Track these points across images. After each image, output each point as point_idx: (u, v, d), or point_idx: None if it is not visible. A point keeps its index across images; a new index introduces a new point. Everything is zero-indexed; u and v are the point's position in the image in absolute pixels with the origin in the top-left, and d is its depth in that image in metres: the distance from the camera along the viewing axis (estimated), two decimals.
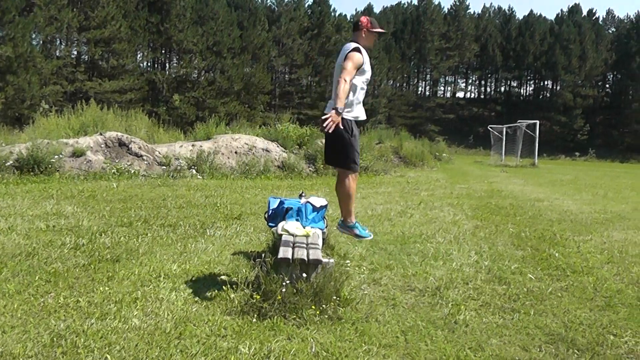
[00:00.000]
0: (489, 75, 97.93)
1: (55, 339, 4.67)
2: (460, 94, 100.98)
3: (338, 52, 6.58)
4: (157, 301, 5.70)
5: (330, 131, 5.97)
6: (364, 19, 6.44)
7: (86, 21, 49.07)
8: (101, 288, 6.02)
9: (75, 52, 52.93)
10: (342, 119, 6.12)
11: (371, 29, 6.42)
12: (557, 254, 8.77)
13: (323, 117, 5.93)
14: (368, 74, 6.40)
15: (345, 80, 5.96)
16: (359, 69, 6.21)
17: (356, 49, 6.18)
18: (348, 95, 6.16)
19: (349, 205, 6.49)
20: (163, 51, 63.59)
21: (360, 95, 6.37)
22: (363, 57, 6.20)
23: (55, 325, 4.93)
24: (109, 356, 4.42)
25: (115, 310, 5.39)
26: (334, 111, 5.90)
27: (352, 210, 6.56)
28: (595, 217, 13.36)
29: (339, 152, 6.42)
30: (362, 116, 6.45)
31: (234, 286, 6.14)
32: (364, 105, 6.54)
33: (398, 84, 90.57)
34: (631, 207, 15.56)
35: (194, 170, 18.69)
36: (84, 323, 5.01)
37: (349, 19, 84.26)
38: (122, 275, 6.52)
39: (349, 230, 6.66)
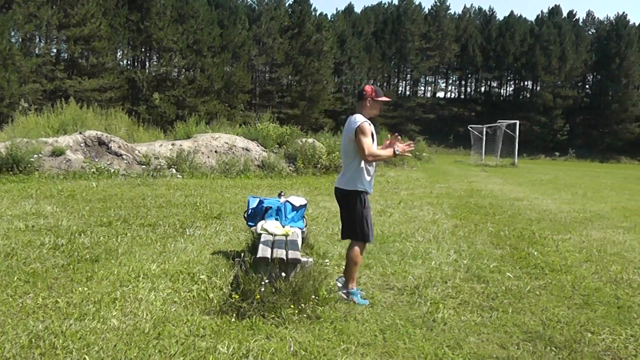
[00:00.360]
0: (469, 76, 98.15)
1: (33, 340, 4.66)
2: (440, 94, 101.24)
3: (344, 122, 6.36)
4: (136, 301, 5.70)
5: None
6: (368, 88, 6.21)
7: (66, 19, 48.66)
8: (80, 288, 6.01)
9: (54, 50, 52.52)
10: (356, 191, 6.08)
11: (376, 97, 6.15)
12: (535, 253, 8.85)
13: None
14: (375, 145, 6.22)
15: (374, 156, 5.98)
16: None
17: (361, 123, 5.99)
18: (362, 172, 6.10)
19: (352, 271, 6.25)
20: (143, 49, 63.25)
21: (372, 169, 6.21)
22: (371, 128, 6.04)
23: (33, 326, 4.92)
24: (87, 357, 4.41)
25: (94, 310, 5.38)
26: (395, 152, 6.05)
27: (355, 277, 6.33)
28: (574, 216, 13.48)
29: (354, 225, 6.21)
30: (371, 190, 6.27)
31: (213, 286, 6.15)
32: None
33: (378, 84, 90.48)
34: (610, 207, 15.70)
35: (173, 170, 18.65)
36: (63, 324, 5.00)
37: (329, 18, 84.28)
38: (101, 276, 6.51)
39: (347, 295, 6.29)
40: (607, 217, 13.64)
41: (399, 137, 6.23)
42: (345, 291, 6.20)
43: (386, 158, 6.23)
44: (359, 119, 6.01)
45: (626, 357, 4.98)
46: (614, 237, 10.70)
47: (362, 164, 6.05)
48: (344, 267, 6.45)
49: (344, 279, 6.34)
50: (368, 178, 6.14)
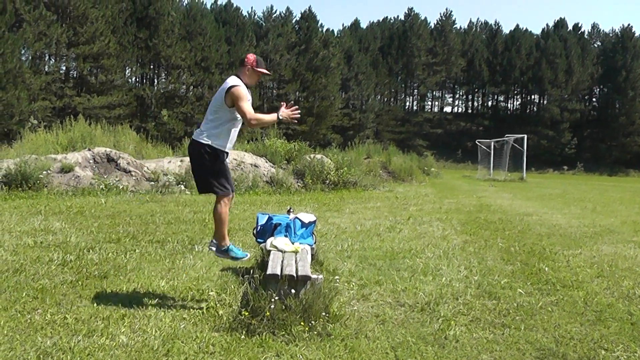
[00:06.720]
0: (476, 90, 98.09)
1: (41, 356, 4.63)
2: (447, 109, 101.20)
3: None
4: (144, 318, 5.67)
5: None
6: (250, 56, 6.46)
7: (75, 37, 48.93)
8: (88, 305, 5.99)
9: (64, 68, 52.72)
10: (211, 146, 6.38)
11: (256, 67, 6.41)
12: (546, 269, 8.77)
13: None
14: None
15: (257, 119, 6.32)
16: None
17: (235, 86, 6.18)
18: (225, 132, 6.42)
19: (221, 229, 6.51)
20: (151, 66, 63.46)
21: (234, 133, 6.54)
22: (244, 91, 6.23)
23: (42, 343, 4.89)
24: None
25: (103, 327, 5.35)
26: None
27: (225, 234, 6.56)
28: (584, 231, 13.38)
29: (209, 180, 6.52)
30: (227, 149, 6.55)
31: (222, 302, 6.11)
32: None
33: (386, 99, 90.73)
34: (620, 221, 15.59)
35: (182, 186, 18.64)
36: (71, 340, 4.97)
37: (336, 34, 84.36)
38: (109, 292, 6.49)
39: (224, 254, 6.62)
40: (618, 231, 13.54)
41: (284, 104, 6.55)
42: (222, 249, 6.55)
43: (270, 122, 6.53)
44: (234, 81, 6.27)
45: None
46: (625, 252, 10.59)
47: (228, 125, 6.38)
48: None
49: (215, 241, 6.62)
50: (227, 140, 6.46)
